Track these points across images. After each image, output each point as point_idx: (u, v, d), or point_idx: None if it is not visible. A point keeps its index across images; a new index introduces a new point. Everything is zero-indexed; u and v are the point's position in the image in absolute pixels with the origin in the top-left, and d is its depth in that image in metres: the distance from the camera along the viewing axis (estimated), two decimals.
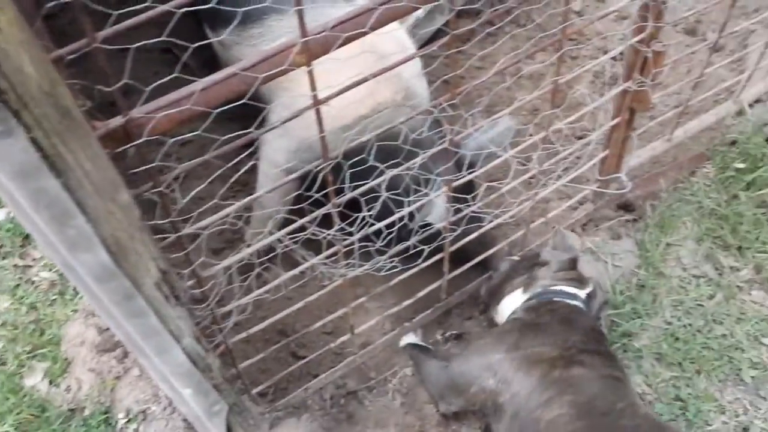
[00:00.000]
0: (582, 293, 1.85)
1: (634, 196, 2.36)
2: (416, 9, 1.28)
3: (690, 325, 2.08)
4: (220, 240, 2.21)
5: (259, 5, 1.60)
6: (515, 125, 2.09)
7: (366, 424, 1.91)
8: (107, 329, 1.99)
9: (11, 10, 0.79)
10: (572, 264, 1.88)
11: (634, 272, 2.19)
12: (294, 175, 1.35)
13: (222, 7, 1.17)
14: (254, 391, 1.80)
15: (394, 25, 1.97)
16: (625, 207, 2.36)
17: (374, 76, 1.27)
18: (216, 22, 2.15)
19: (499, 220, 1.90)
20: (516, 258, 2.05)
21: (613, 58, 2.06)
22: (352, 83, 1.24)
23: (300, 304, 1.68)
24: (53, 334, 2.03)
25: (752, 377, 2.00)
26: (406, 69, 1.94)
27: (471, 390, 1.74)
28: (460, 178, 1.66)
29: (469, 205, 1.73)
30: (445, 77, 1.53)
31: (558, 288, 1.86)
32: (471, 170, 1.75)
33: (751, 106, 2.49)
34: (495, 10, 1.65)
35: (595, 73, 2.82)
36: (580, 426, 1.54)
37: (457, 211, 1.72)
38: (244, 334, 1.62)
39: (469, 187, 1.82)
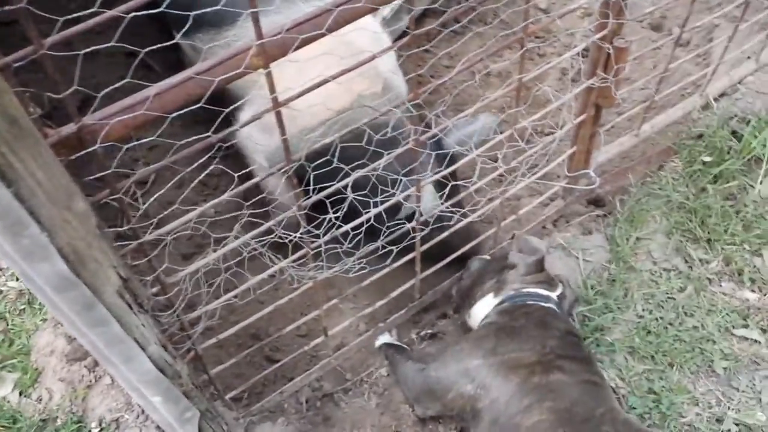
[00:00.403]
0: (553, 295, 1.86)
1: (603, 192, 2.38)
2: (374, 10, 1.28)
3: (661, 318, 2.10)
4: (190, 245, 2.19)
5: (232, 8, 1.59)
6: (495, 122, 2.10)
7: (342, 426, 1.91)
8: (76, 339, 1.97)
9: None
10: (539, 266, 1.89)
11: (605, 267, 2.21)
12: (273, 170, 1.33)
13: (179, 12, 1.16)
14: (228, 396, 1.79)
15: (369, 19, 1.97)
16: (595, 202, 2.38)
17: (350, 69, 1.27)
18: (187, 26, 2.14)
19: (470, 219, 1.91)
20: (485, 258, 2.05)
21: (582, 55, 2.07)
22: (325, 79, 1.24)
23: (270, 308, 1.67)
24: (22, 344, 2.01)
25: (724, 368, 2.02)
26: (382, 62, 1.95)
27: (448, 396, 1.74)
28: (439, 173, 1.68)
29: (448, 202, 1.74)
30: (409, 77, 1.54)
31: (530, 290, 1.87)
32: (451, 165, 1.76)
33: (716, 99, 2.52)
34: (458, 7, 1.65)
35: (563, 70, 2.84)
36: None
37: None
38: (214, 340, 1.61)
39: (452, 186, 1.83)
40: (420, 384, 1.84)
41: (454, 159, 1.90)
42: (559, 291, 1.88)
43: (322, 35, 1.20)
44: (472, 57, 1.58)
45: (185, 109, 1.11)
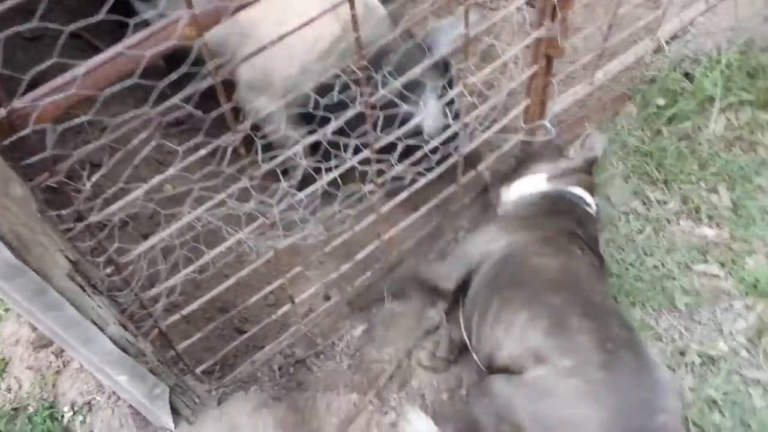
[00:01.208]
0: (595, 205, 2.02)
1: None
2: None
3: (623, 260, 2.15)
4: (151, 224, 2.18)
5: None
6: (479, 18, 2.09)
7: (316, 388, 1.93)
8: None
9: None
10: (590, 167, 2.05)
11: None
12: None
13: None
14: (199, 369, 1.80)
15: None
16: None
17: None
18: None
19: (430, 176, 1.92)
20: (543, 142, 2.15)
21: (520, 8, 2.05)
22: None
23: (233, 280, 1.68)
24: None
25: (685, 304, 2.08)
26: None
27: (476, 251, 1.90)
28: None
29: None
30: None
31: (582, 194, 2.00)
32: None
33: (668, 42, 2.54)
34: None
35: (519, 23, 2.83)
36: (564, 278, 1.71)
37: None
38: (177, 316, 1.61)
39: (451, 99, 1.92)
40: (457, 254, 2.00)
41: (448, 64, 1.94)
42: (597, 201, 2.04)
43: (253, 2, 1.18)
44: (420, 11, 1.58)
45: (120, 85, 1.09)
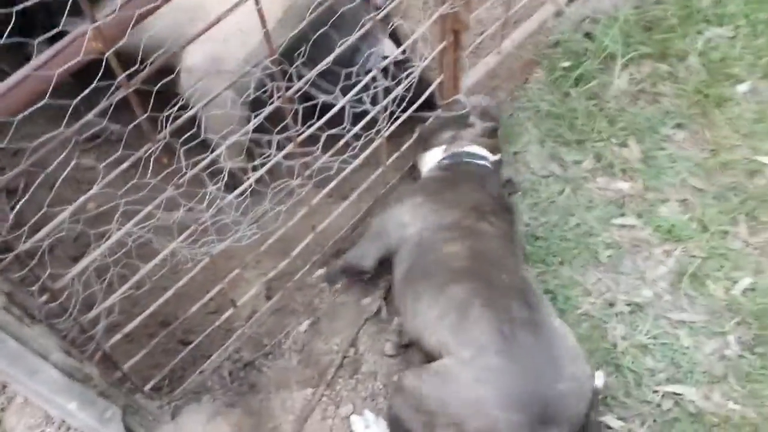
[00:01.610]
0: (492, 158, 2.10)
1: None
2: None
3: (546, 222, 2.23)
4: (78, 246, 2.11)
5: None
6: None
7: (268, 389, 1.94)
8: None
9: None
10: (494, 133, 2.16)
11: None
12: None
13: None
14: (148, 386, 1.77)
15: None
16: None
17: None
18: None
19: (355, 163, 1.94)
20: (450, 114, 2.22)
21: None
22: None
23: (170, 293, 1.66)
24: None
25: (608, 257, 2.18)
26: None
27: (389, 227, 1.97)
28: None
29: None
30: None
31: (472, 150, 2.11)
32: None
33: (567, 5, 2.63)
34: None
35: (425, 2, 2.86)
36: (470, 265, 1.77)
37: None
38: (119, 336, 1.58)
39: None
40: (371, 228, 2.06)
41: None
42: (497, 157, 2.13)
43: (157, 8, 1.16)
44: None
45: (34, 107, 1.06)
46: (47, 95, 1.06)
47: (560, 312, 2.04)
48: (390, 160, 2.15)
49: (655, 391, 1.93)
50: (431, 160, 2.16)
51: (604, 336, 2.02)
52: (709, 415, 1.89)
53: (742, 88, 2.53)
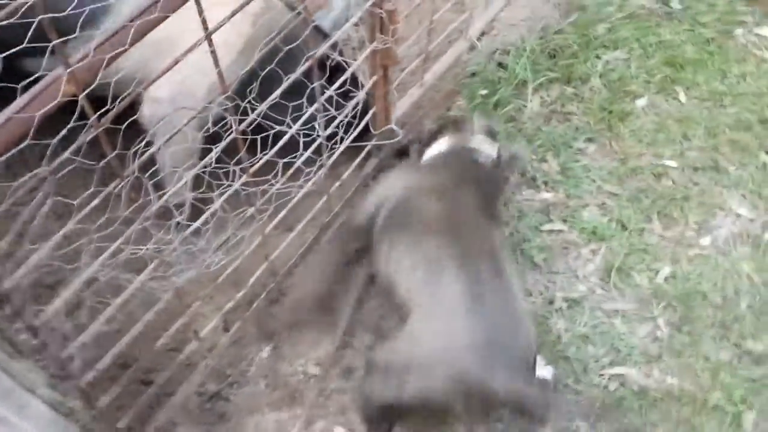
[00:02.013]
0: (492, 150, 2.20)
1: (407, 141, 2.62)
2: (166, 18, 1.35)
3: None
4: (50, 275, 2.11)
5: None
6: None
7: (240, 416, 1.99)
8: None
9: None
10: (494, 135, 2.29)
11: None
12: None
13: None
14: (119, 424, 1.79)
15: None
16: (401, 153, 2.62)
17: None
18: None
19: (302, 192, 2.05)
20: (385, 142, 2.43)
21: (356, 25, 2.26)
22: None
23: (139, 326, 1.70)
24: None
25: (543, 259, 2.37)
26: None
27: (380, 191, 2.12)
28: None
29: None
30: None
31: (475, 145, 2.20)
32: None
33: (479, 39, 2.86)
34: None
35: (343, 41, 3.05)
36: (447, 223, 1.89)
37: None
38: (93, 372, 1.61)
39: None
40: (369, 195, 2.19)
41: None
42: (496, 147, 2.23)
43: (125, 50, 1.26)
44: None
45: (13, 150, 1.13)
46: (29, 137, 1.14)
47: None
48: (333, 187, 2.28)
49: (601, 375, 2.11)
50: (431, 153, 2.28)
51: (548, 331, 2.19)
52: (652, 391, 2.07)
53: (640, 102, 2.81)
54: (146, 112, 1.97)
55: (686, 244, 2.41)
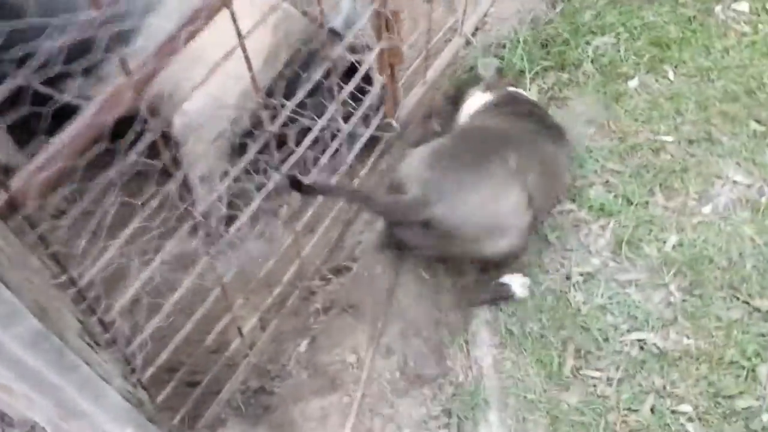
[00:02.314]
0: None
1: (417, 137, 2.74)
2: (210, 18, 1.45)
3: None
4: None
5: None
6: None
7: (285, 405, 2.07)
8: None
9: None
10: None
11: None
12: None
13: None
14: (174, 420, 1.87)
15: None
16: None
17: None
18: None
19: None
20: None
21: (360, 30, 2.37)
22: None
23: (189, 326, 1.79)
24: None
25: (556, 237, 2.48)
26: None
27: None
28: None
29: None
30: None
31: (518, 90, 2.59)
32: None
33: (473, 35, 2.99)
34: None
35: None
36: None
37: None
38: (153, 369, 1.70)
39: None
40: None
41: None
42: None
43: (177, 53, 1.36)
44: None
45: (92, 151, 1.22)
46: (104, 140, 1.24)
47: (531, 294, 2.31)
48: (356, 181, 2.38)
49: (621, 342, 2.22)
50: (474, 105, 2.49)
51: (568, 305, 2.30)
52: (670, 352, 2.19)
53: (632, 83, 2.94)
54: (177, 122, 2.06)
55: (689, 213, 2.53)
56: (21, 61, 1.15)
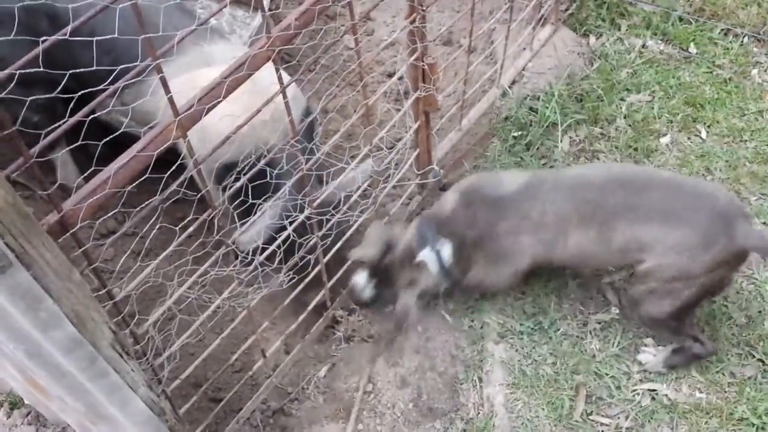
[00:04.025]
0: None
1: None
2: (251, 75, 1.62)
3: None
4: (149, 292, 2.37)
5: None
6: (372, 167, 2.36)
7: (301, 426, 2.19)
8: None
9: None
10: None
11: None
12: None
13: None
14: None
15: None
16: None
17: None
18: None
19: (358, 222, 2.30)
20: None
21: (400, 78, 2.52)
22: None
23: (207, 352, 1.93)
24: None
25: (577, 285, 2.55)
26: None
27: None
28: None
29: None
30: None
31: None
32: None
33: (510, 87, 3.12)
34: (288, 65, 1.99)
35: (384, 93, 3.33)
36: None
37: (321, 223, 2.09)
38: (178, 381, 1.84)
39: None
40: None
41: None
42: None
43: (219, 102, 1.53)
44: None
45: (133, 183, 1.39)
46: (148, 171, 1.40)
47: (544, 333, 2.39)
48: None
49: (633, 391, 2.26)
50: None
51: (583, 350, 2.36)
52: (681, 404, 2.22)
53: (664, 140, 3.01)
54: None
55: None
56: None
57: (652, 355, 2.35)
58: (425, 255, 2.30)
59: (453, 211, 2.31)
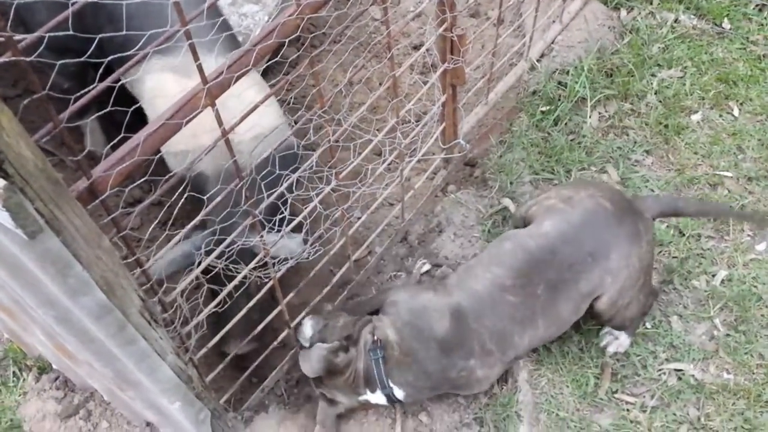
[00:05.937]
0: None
1: (473, 155, 2.83)
2: (283, 43, 1.60)
3: None
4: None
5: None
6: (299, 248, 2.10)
7: None
8: (65, 397, 2.13)
9: (8, 111, 1.03)
10: None
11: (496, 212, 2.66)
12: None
13: None
14: (222, 399, 2.03)
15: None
16: (470, 164, 2.83)
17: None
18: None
19: (383, 196, 2.28)
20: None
21: (427, 50, 2.49)
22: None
23: (253, 301, 1.92)
24: (10, 420, 2.12)
25: None
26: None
27: None
28: None
29: None
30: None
31: None
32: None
33: (538, 60, 3.06)
34: (314, 35, 1.97)
35: (411, 65, 3.29)
36: None
37: None
38: (204, 350, 1.85)
39: None
40: None
41: None
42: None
43: (248, 71, 1.51)
44: (348, 68, 1.95)
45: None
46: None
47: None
48: (407, 196, 2.50)
49: (659, 370, 2.24)
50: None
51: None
52: (708, 385, 2.20)
53: (695, 117, 2.95)
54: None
55: (742, 250, 2.53)
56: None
57: (614, 338, 2.31)
58: (375, 397, 2.12)
59: (398, 350, 2.08)
